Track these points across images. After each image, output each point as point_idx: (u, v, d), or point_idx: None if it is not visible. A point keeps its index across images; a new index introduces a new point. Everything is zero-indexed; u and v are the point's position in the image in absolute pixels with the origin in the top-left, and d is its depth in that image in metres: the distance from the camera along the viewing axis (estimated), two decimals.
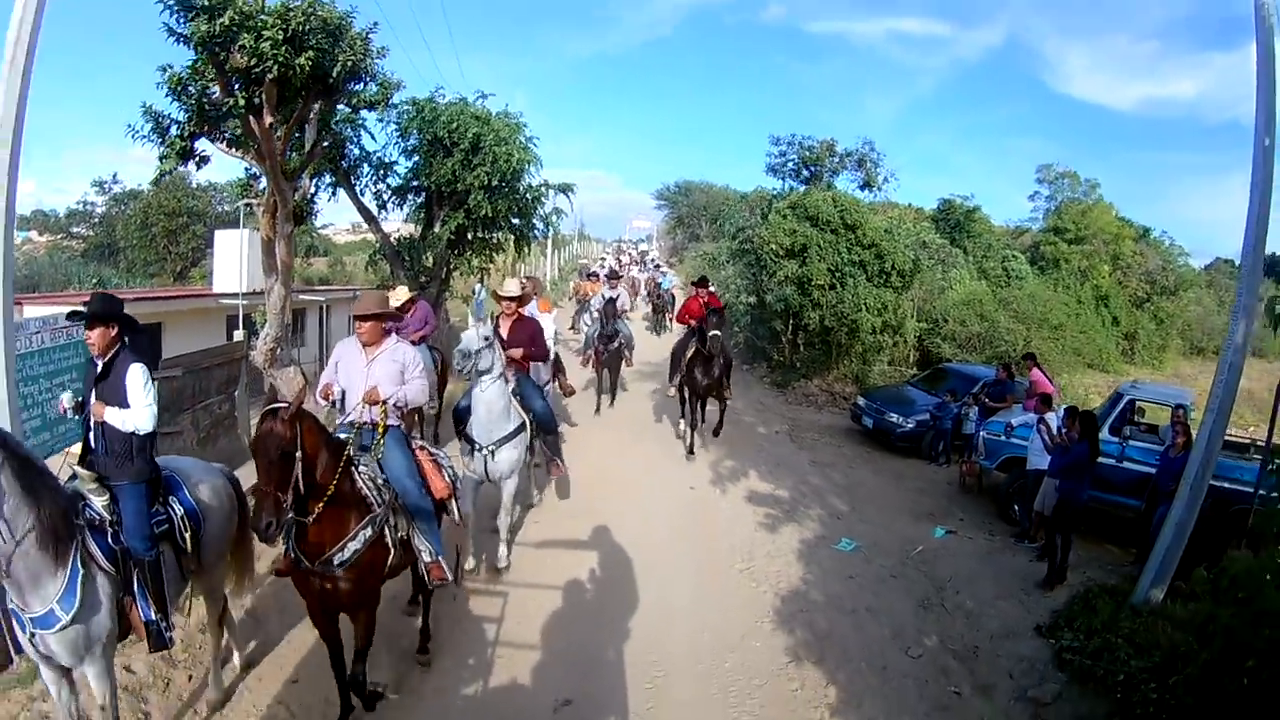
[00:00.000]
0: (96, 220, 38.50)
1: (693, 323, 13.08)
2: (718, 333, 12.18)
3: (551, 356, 11.69)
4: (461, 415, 8.57)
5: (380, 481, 5.71)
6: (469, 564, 8.34)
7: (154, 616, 4.92)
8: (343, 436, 5.70)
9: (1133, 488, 10.74)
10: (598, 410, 15.74)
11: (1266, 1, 7.68)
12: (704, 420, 13.58)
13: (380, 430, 5.99)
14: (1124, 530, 10.80)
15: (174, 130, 10.29)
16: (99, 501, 4.84)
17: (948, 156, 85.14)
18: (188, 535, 5.32)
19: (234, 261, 17.33)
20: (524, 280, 10.94)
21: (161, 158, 10.39)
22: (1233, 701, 4.85)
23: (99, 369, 4.96)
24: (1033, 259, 33.37)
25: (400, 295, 11.53)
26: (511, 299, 9.19)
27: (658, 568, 8.82)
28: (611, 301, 15.79)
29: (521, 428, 8.41)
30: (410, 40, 56.53)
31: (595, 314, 16.46)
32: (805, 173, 31.00)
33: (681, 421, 13.94)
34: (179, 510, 5.32)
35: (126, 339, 5.07)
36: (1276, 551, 3.76)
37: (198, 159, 10.78)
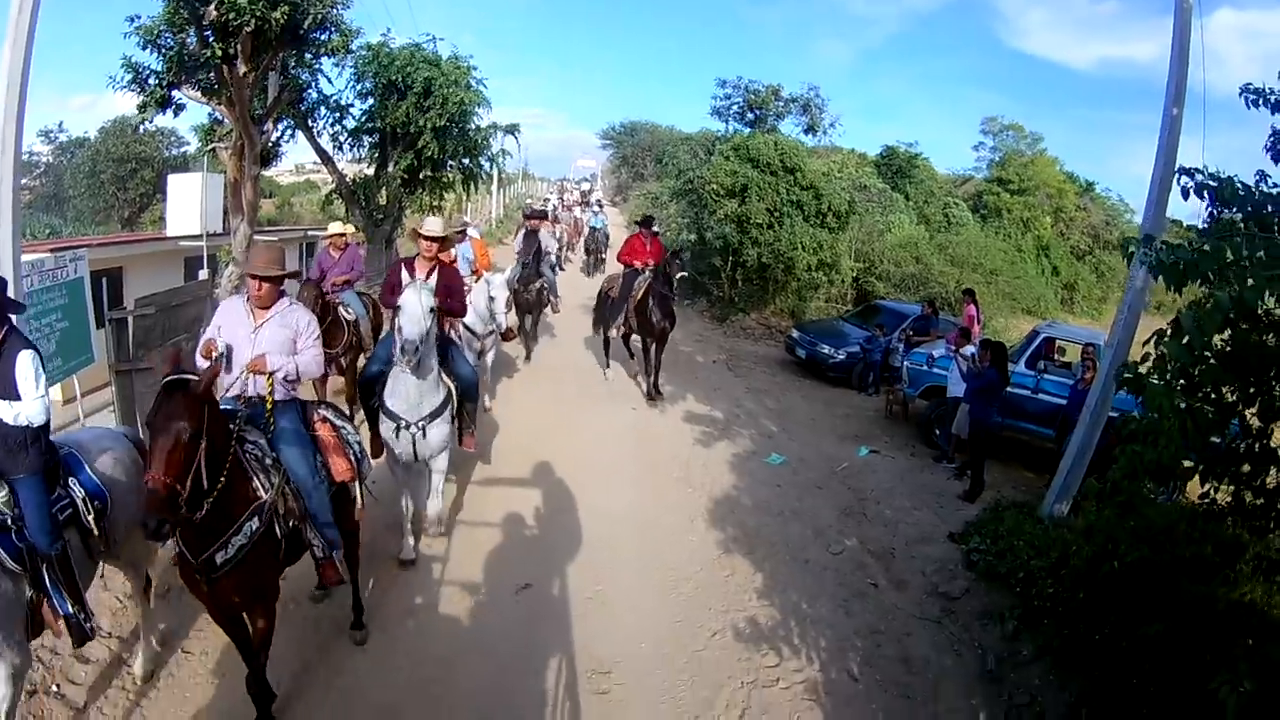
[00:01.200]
0: (42, 170, 37.43)
1: (636, 263, 12.66)
2: (684, 274, 11.76)
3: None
4: (372, 383, 7.46)
5: (269, 463, 4.96)
6: (409, 554, 7.24)
7: (71, 610, 4.55)
8: (226, 410, 4.81)
9: (1047, 418, 11.44)
10: (528, 357, 14.88)
11: None
12: (657, 366, 12.86)
13: (268, 405, 5.23)
14: (1040, 457, 11.47)
15: (152, 81, 10.71)
16: None
17: (899, 104, 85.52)
18: (92, 517, 4.80)
19: (191, 205, 17.42)
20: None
21: (141, 107, 10.96)
22: (1108, 584, 5.50)
23: None
24: (975, 207, 33.89)
25: (336, 228, 10.88)
26: (433, 239, 7.62)
27: (603, 477, 9.32)
28: (531, 233, 14.68)
29: (449, 397, 7.24)
30: None
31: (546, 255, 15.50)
32: (750, 116, 31.22)
33: (608, 370, 13.91)
34: (80, 492, 4.79)
35: (13, 321, 4.51)
36: (1140, 454, 4.30)
37: (174, 107, 11.25)
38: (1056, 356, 12.77)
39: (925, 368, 12.85)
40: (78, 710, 5.25)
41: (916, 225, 28.93)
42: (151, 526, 3.96)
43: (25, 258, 8.23)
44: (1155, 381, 4.22)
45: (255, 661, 4.92)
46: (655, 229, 13.92)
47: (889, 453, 11.78)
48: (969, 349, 11.15)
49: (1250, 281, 3.81)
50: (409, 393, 6.83)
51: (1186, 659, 4.68)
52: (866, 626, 6.93)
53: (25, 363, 4.34)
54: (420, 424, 6.89)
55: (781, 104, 31.03)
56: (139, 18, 10.72)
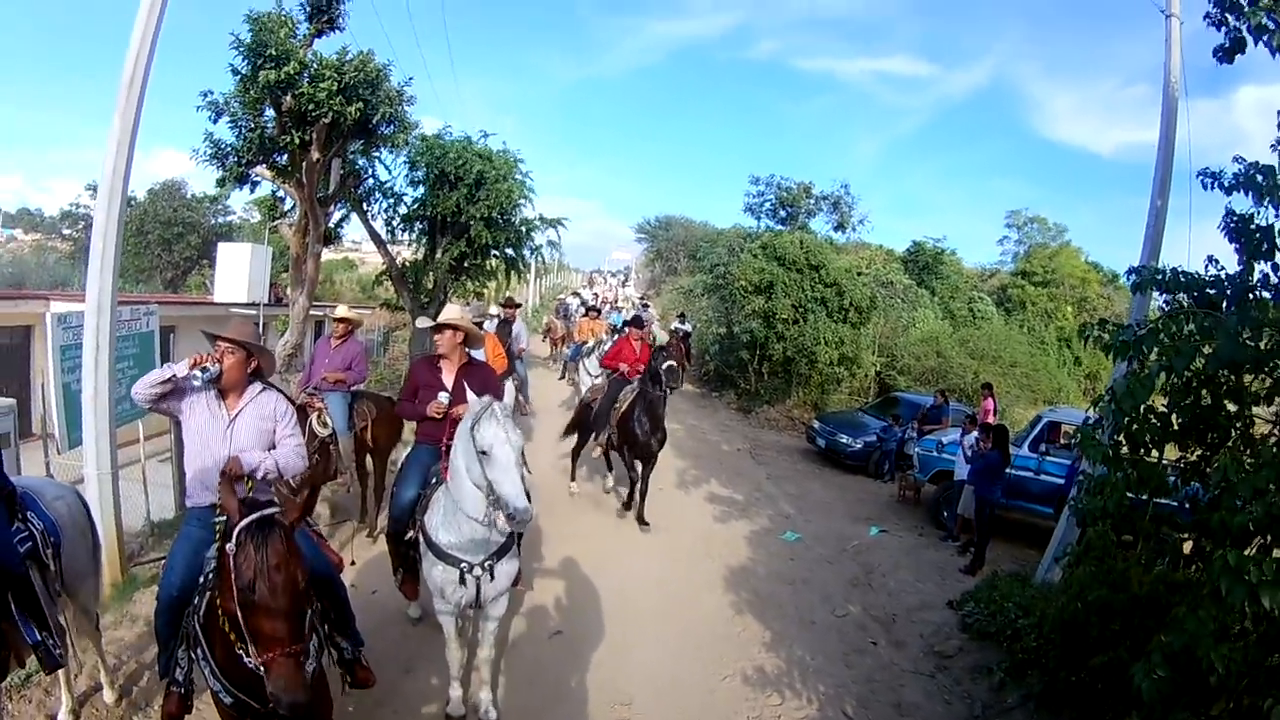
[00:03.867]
0: (88, 223, 39.14)
1: (624, 369, 11.33)
2: (671, 363, 10.25)
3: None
4: (408, 512, 6.25)
5: None
6: (458, 711, 6.00)
7: (39, 637, 4.33)
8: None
9: (1048, 497, 12.10)
10: None
11: (1174, 79, 9.11)
12: (643, 492, 10.97)
13: None
14: (1042, 536, 12.03)
15: (231, 158, 12.02)
16: None
17: (927, 198, 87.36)
18: (50, 552, 4.70)
19: (239, 273, 18.60)
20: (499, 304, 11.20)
21: (220, 181, 12.26)
22: (1082, 629, 6.18)
23: None
24: (1000, 300, 34.53)
25: (341, 312, 9.45)
26: (453, 328, 6.49)
27: (630, 551, 10.05)
28: (504, 323, 14.39)
29: None
30: (409, 63, 58.04)
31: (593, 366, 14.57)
32: (782, 213, 32.49)
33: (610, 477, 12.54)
34: (39, 525, 4.68)
35: None
36: (1090, 503, 4.98)
37: (250, 184, 12.59)
38: (1061, 440, 13.44)
39: (935, 453, 13.63)
40: None
41: (941, 320, 29.68)
42: (301, 705, 3.39)
43: (63, 307, 8.96)
44: (1096, 439, 4.95)
45: None
46: (676, 324, 14.01)
47: (898, 532, 12.44)
48: (972, 435, 11.91)
49: (1178, 352, 4.55)
50: (472, 521, 5.29)
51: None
52: (864, 677, 7.57)
53: None
54: (488, 564, 5.54)
55: (812, 201, 32.42)
56: (211, 93, 12.16)
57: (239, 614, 3.38)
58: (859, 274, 26.31)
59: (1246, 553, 3.33)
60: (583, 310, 24.28)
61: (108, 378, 7.47)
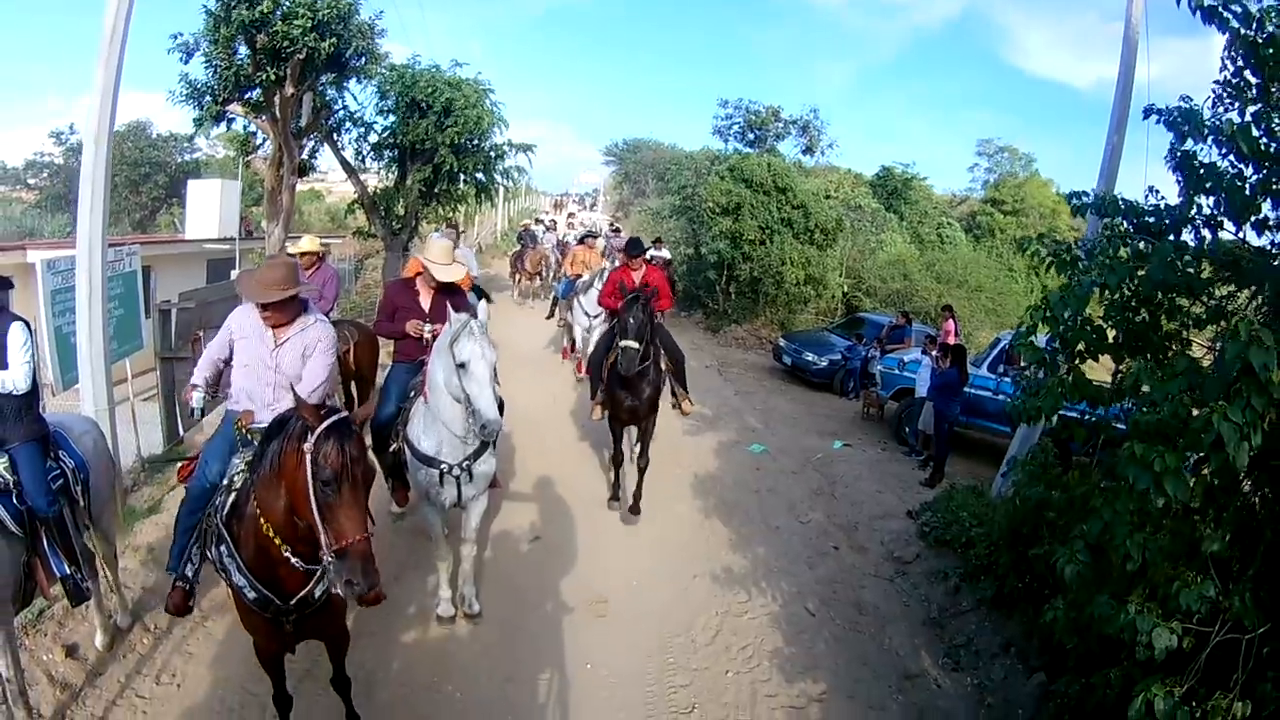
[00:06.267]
0: (54, 171, 38.22)
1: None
2: (633, 344, 7.96)
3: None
4: (388, 426, 6.72)
5: None
6: (448, 611, 6.53)
7: (69, 570, 4.78)
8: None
9: (1006, 416, 12.56)
10: None
11: (1135, 18, 9.24)
12: (637, 455, 9.07)
13: None
14: (1001, 454, 12.49)
15: (207, 97, 12.22)
16: None
17: (900, 124, 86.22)
18: (79, 487, 5.06)
19: (210, 209, 18.63)
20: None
21: (197, 121, 12.49)
22: (1026, 538, 6.65)
23: None
24: (970, 227, 34.84)
25: (305, 245, 9.49)
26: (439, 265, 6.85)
27: (595, 455, 10.56)
28: None
29: None
30: None
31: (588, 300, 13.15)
32: (750, 136, 32.45)
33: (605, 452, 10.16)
34: (70, 463, 5.04)
35: (4, 299, 4.78)
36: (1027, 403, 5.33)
37: (227, 121, 12.86)
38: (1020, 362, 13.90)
39: (897, 371, 14.08)
40: None
41: (909, 244, 30.00)
42: (377, 584, 3.74)
43: (41, 255, 9.18)
44: (1032, 342, 5.28)
45: (339, 667, 4.88)
46: (653, 253, 12.85)
47: (862, 446, 12.95)
48: (933, 353, 12.36)
49: (1112, 270, 4.86)
50: (449, 429, 5.87)
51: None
52: (826, 578, 8.07)
53: (16, 332, 4.59)
54: (465, 464, 6.03)
55: (781, 125, 32.31)
56: (180, 34, 12.32)
57: (315, 508, 3.64)
58: (826, 197, 26.50)
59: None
60: (558, 236, 24.35)
61: (100, 317, 7.68)
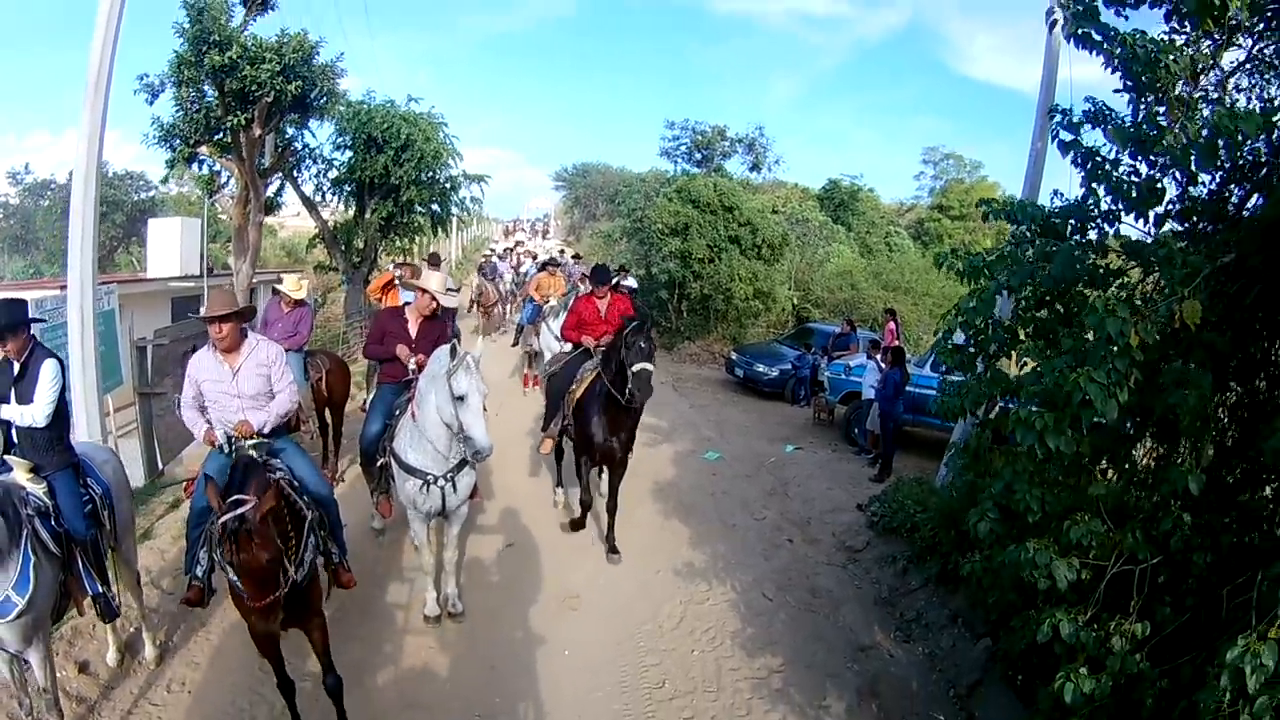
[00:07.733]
0: (10, 212, 37.72)
1: (588, 341, 8.94)
2: (648, 366, 7.61)
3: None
4: (376, 441, 7.32)
5: (296, 485, 5.26)
6: (434, 610, 7.02)
7: (100, 589, 5.10)
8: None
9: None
10: None
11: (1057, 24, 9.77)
12: (607, 499, 8.72)
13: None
14: (944, 449, 13.18)
15: (178, 140, 12.70)
16: (38, 489, 4.89)
17: (846, 135, 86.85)
18: (106, 512, 5.43)
19: (171, 248, 18.83)
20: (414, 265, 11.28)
21: (169, 163, 12.92)
22: (960, 520, 7.20)
23: (15, 369, 4.91)
24: (918, 234, 35.73)
25: (290, 286, 9.70)
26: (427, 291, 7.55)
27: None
28: None
29: None
30: (324, 21, 56.81)
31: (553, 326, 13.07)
32: (698, 156, 33.17)
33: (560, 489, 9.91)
34: (98, 490, 5.40)
35: (36, 336, 5.09)
36: (984, 432, 5.85)
37: (198, 163, 13.34)
38: None
39: (843, 376, 14.69)
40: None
41: (858, 255, 30.64)
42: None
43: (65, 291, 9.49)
44: (949, 347, 5.85)
45: (326, 661, 5.29)
46: (621, 283, 12.95)
47: (813, 449, 13.54)
48: (876, 357, 13.00)
49: (1015, 272, 5.42)
50: (435, 446, 6.41)
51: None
52: (781, 568, 8.64)
53: (48, 369, 4.93)
54: (449, 475, 6.55)
55: (727, 144, 33.09)
56: (146, 76, 12.84)
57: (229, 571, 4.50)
58: (773, 212, 27.19)
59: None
60: (516, 266, 24.73)
61: (93, 350, 8.06)
